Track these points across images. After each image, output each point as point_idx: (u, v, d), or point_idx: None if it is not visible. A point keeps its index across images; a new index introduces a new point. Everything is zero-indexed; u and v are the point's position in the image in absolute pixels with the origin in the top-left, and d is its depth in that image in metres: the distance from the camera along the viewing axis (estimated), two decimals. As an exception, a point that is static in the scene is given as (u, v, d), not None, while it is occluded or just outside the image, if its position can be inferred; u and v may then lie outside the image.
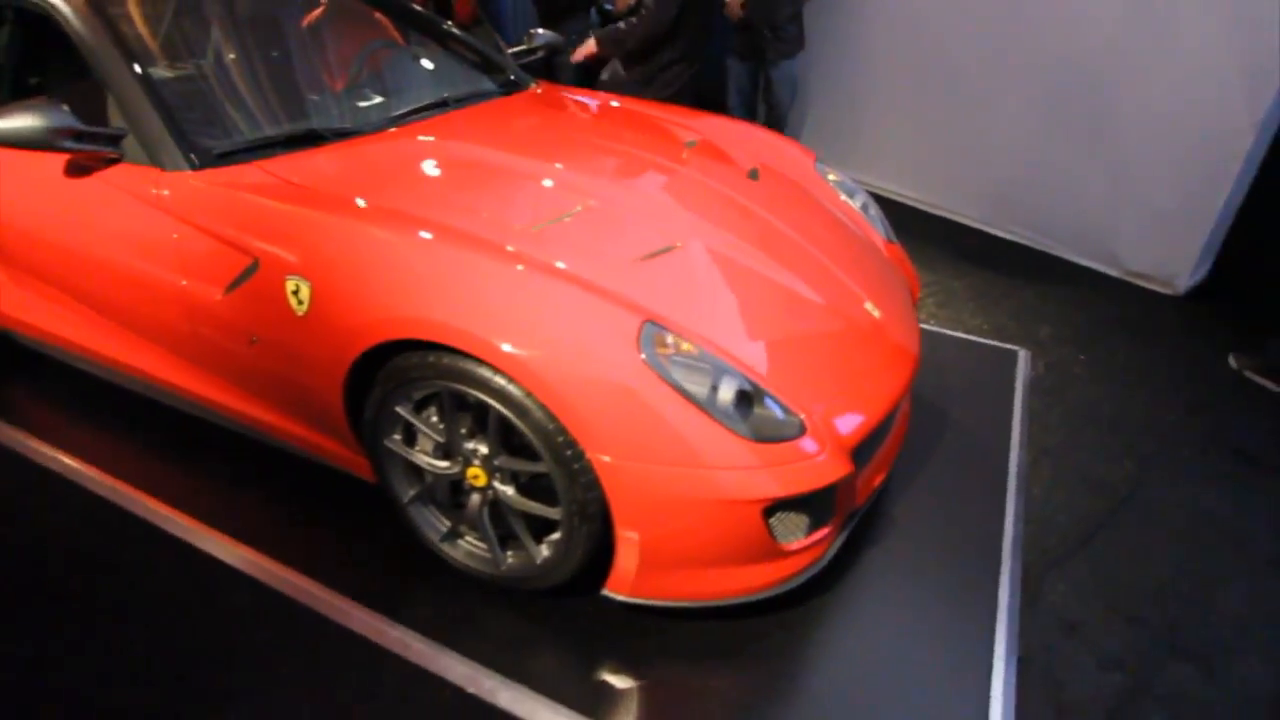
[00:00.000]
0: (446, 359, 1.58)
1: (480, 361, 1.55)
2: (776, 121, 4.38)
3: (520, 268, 1.60)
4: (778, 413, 1.59)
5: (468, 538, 1.86)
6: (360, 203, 1.81)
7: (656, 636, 1.77)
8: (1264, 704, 1.78)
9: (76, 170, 2.01)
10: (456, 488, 1.83)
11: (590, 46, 4.03)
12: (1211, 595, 2.06)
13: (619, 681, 1.68)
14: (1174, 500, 2.41)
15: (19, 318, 2.38)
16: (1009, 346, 3.15)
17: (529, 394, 1.52)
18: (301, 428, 1.98)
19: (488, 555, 1.81)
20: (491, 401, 1.57)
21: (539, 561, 1.75)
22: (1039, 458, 2.50)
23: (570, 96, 2.87)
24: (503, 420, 1.60)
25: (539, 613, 1.82)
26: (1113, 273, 3.97)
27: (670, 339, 1.55)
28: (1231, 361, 3.23)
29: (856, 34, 4.55)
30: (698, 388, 1.52)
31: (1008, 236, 4.29)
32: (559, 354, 1.50)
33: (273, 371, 1.88)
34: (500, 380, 1.54)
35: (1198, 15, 3.44)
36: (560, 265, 1.67)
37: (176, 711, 1.58)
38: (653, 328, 1.54)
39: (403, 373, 1.65)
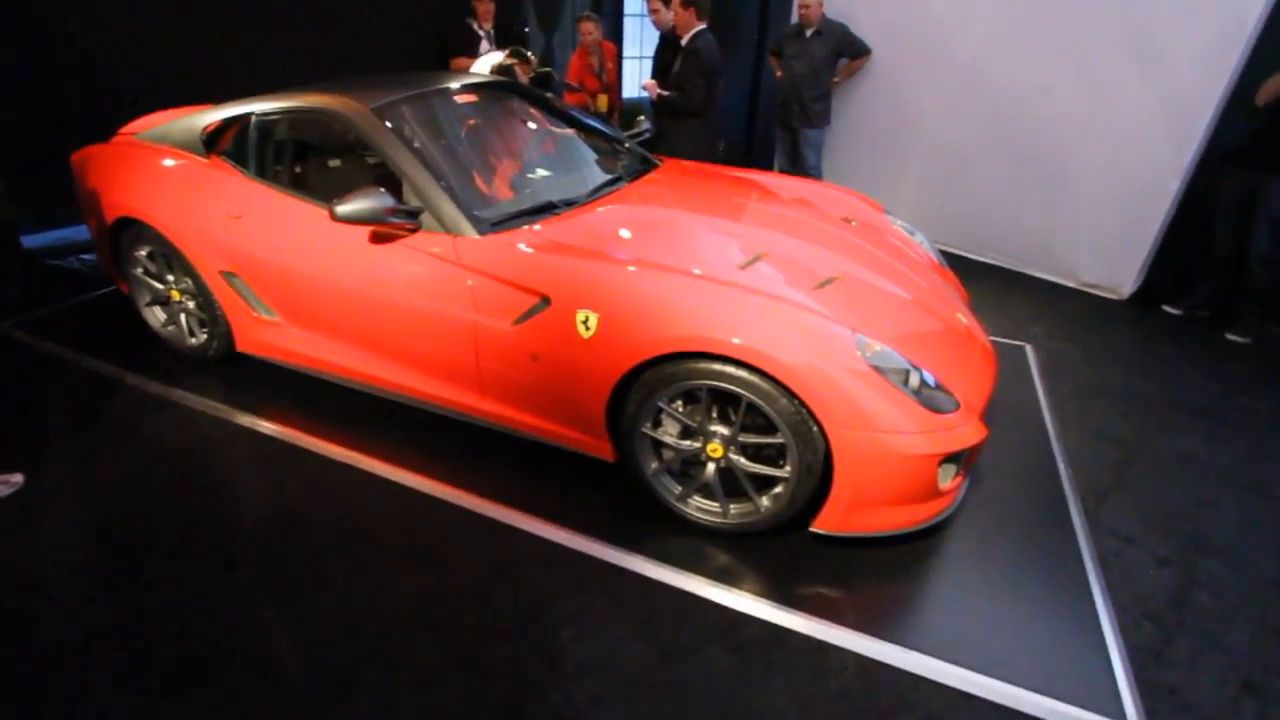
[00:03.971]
0: (715, 365, 1.80)
1: (741, 364, 1.78)
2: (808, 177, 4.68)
3: (764, 299, 1.84)
4: (944, 395, 1.85)
5: (696, 498, 2.08)
6: (621, 253, 2.04)
7: (841, 560, 2.01)
8: (1271, 582, 2.06)
9: (380, 239, 2.21)
10: (688, 461, 2.05)
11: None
12: (1213, 511, 2.35)
13: (823, 589, 1.91)
14: (1167, 448, 2.70)
15: (315, 357, 2.57)
16: (1016, 342, 3.46)
17: (779, 385, 1.76)
18: (558, 423, 2.18)
19: (717, 509, 2.04)
20: (746, 394, 1.80)
21: (762, 511, 1.98)
22: (1064, 423, 2.79)
23: (691, 167, 3.11)
24: (751, 406, 1.83)
25: (751, 546, 2.05)
26: (1071, 284, 4.31)
27: (871, 344, 1.80)
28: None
29: (870, 113, 4.86)
30: (896, 378, 1.77)
31: (989, 261, 4.63)
32: (805, 358, 1.73)
33: (548, 382, 2.09)
34: (755, 378, 1.77)
35: (1134, 91, 3.80)
36: (779, 293, 1.92)
37: (526, 645, 1.79)
38: (861, 337, 1.79)
39: (671, 376, 1.87)
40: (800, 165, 4.73)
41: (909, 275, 2.37)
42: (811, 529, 1.95)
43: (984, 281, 4.30)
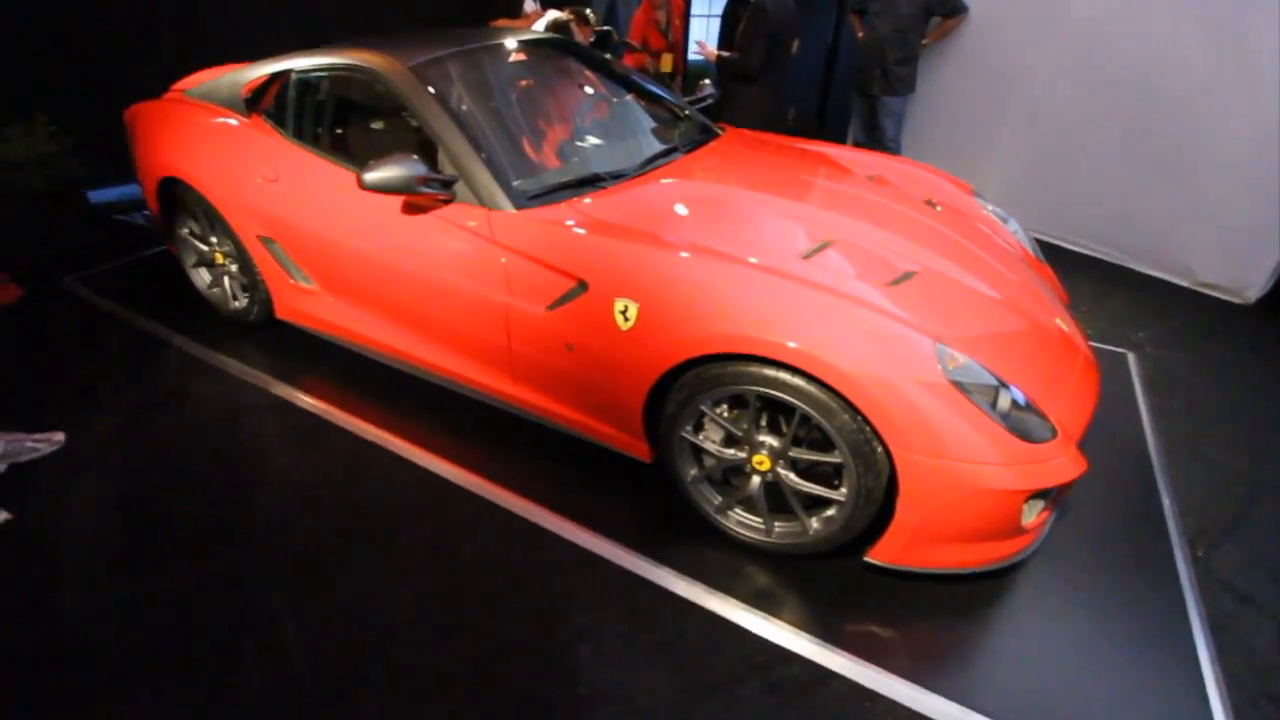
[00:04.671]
0: (766, 370, 1.58)
1: (796, 371, 1.55)
2: (886, 152, 4.27)
3: (828, 296, 1.60)
4: (1038, 419, 1.57)
5: (737, 510, 1.88)
6: (666, 235, 1.82)
7: (898, 596, 1.77)
8: None
9: (413, 209, 2.07)
10: (731, 470, 1.85)
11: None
12: (1356, 571, 1.98)
13: (875, 628, 1.69)
14: (1298, 487, 2.31)
15: (350, 329, 2.47)
16: (1117, 349, 3.05)
17: (839, 398, 1.53)
18: (592, 417, 2.01)
19: (760, 526, 1.83)
20: (801, 404, 1.58)
21: (810, 533, 1.76)
22: (1172, 449, 2.42)
23: (754, 138, 2.83)
24: (805, 418, 1.60)
25: (795, 570, 1.84)
26: (1185, 283, 3.79)
27: (954, 355, 1.54)
28: None
29: (962, 80, 4.37)
30: (982, 397, 1.50)
31: (1087, 252, 4.12)
32: (872, 368, 1.49)
33: (582, 373, 1.91)
34: (812, 387, 1.55)
35: (1277, 58, 3.23)
36: (847, 289, 1.66)
37: (531, 646, 1.65)
38: (942, 347, 1.53)
39: (716, 379, 1.67)
40: (878, 138, 4.32)
41: (999, 270, 2.06)
42: (866, 558, 1.72)
43: (1081, 276, 3.84)
